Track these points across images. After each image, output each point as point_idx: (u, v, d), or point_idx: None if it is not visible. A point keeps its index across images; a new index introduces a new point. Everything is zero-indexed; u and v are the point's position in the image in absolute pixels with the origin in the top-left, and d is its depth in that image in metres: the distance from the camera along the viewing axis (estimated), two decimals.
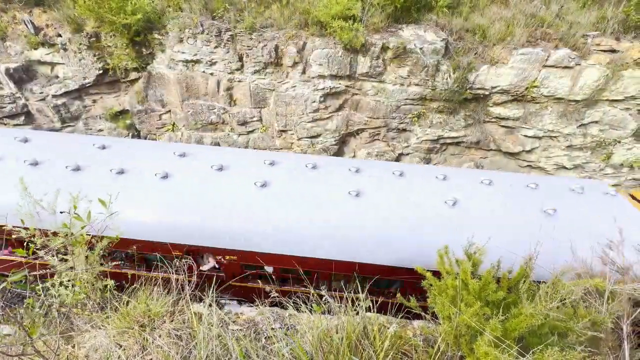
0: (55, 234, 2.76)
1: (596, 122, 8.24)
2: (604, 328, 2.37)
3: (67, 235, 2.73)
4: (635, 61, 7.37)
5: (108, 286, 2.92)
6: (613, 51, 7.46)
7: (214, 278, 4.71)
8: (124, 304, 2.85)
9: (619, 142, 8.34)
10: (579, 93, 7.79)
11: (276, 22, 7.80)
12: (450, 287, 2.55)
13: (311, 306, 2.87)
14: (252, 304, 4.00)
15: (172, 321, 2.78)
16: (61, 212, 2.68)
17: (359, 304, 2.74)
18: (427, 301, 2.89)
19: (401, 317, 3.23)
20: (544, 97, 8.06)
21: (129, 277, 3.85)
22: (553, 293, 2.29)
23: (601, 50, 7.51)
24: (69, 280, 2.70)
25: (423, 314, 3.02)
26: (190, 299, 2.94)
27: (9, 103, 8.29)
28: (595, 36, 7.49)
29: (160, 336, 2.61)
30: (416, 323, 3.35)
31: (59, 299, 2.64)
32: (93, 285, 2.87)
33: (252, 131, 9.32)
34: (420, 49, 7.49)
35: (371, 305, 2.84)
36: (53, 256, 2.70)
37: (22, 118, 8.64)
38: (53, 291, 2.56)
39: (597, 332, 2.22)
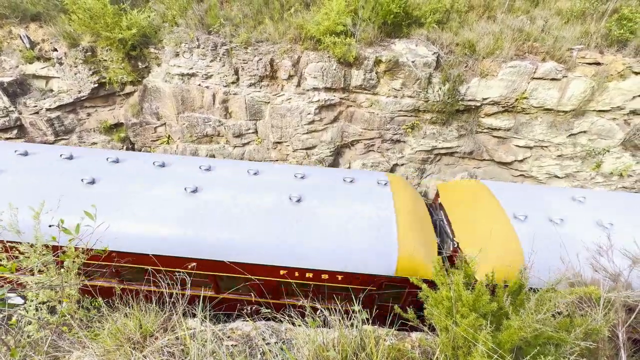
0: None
1: (585, 132, 8.43)
2: (601, 337, 2.36)
3: (45, 248, 2.67)
4: (619, 73, 7.62)
5: (94, 304, 2.84)
6: (598, 64, 7.71)
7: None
8: (113, 320, 2.77)
9: (608, 151, 8.52)
10: (567, 104, 7.99)
11: (271, 37, 7.95)
12: (446, 299, 2.54)
13: (306, 321, 2.82)
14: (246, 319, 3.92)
15: (164, 338, 2.71)
16: (50, 226, 2.64)
17: (354, 316, 2.70)
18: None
19: (396, 329, 3.18)
20: (533, 108, 8.25)
21: (119, 292, 3.77)
22: (539, 305, 2.29)
23: (586, 63, 7.76)
24: (54, 298, 2.63)
25: (420, 325, 2.99)
26: (183, 314, 2.87)
27: (2, 117, 8.24)
28: (580, 49, 7.76)
29: (151, 353, 2.53)
30: (414, 335, 3.31)
31: (44, 319, 2.56)
32: (79, 302, 2.80)
33: (247, 143, 9.35)
34: (412, 62, 7.67)
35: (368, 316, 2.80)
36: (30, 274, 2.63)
37: (15, 131, 8.58)
38: (30, 314, 2.48)
39: (592, 342, 2.21)
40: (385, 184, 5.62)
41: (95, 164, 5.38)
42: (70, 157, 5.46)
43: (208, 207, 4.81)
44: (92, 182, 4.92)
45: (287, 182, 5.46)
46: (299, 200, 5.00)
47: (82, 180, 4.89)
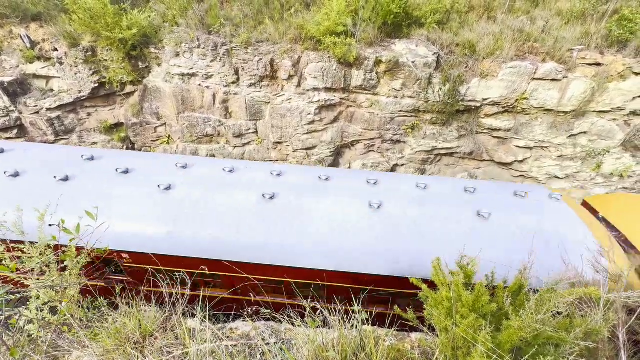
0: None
1: (585, 132, 8.43)
2: (601, 337, 2.36)
3: (46, 247, 2.68)
4: (620, 74, 7.61)
5: (95, 304, 2.85)
6: (598, 64, 7.71)
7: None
8: (113, 320, 2.77)
9: (608, 152, 8.51)
10: (568, 105, 7.99)
11: (271, 37, 7.96)
12: (446, 299, 2.54)
13: (306, 321, 2.82)
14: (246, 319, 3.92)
15: (164, 338, 2.71)
16: (50, 225, 2.64)
17: (355, 317, 2.70)
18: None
19: (396, 329, 3.18)
20: (533, 109, 8.25)
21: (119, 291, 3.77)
22: (540, 304, 2.29)
23: (587, 64, 7.76)
24: (52, 299, 2.63)
25: (420, 326, 2.99)
26: (183, 314, 2.87)
27: (2, 116, 8.24)
28: (580, 50, 7.76)
29: (151, 353, 2.53)
30: (414, 335, 3.31)
31: (44, 319, 2.56)
32: (79, 302, 2.80)
33: (247, 143, 9.35)
34: (413, 62, 7.67)
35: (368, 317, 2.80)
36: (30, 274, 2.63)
37: (15, 131, 8.58)
38: (30, 313, 2.48)
39: (592, 342, 2.20)
40: (559, 198, 5.61)
41: (262, 178, 5.44)
42: (232, 170, 5.51)
43: (390, 217, 4.88)
44: (272, 197, 4.99)
45: (458, 195, 5.47)
46: (488, 216, 4.98)
47: (263, 196, 4.96)
